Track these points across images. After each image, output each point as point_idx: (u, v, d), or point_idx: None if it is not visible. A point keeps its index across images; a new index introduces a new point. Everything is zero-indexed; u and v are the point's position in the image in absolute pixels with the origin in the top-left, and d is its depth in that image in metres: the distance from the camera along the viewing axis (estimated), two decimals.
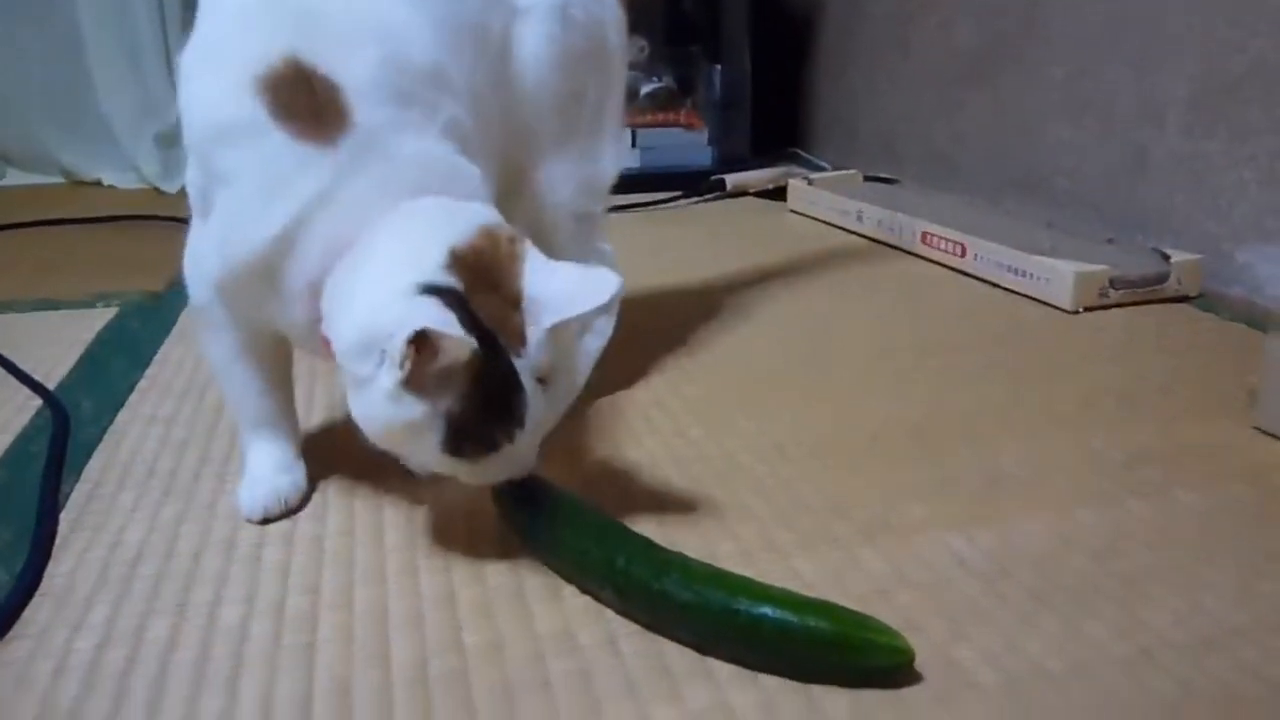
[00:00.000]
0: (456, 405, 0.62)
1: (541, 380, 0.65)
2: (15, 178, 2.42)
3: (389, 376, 0.61)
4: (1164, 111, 1.38)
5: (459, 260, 0.63)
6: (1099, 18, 1.49)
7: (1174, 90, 1.37)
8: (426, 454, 0.65)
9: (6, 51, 2.30)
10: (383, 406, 0.62)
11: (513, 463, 0.67)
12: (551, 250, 0.93)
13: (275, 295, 0.70)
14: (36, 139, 2.36)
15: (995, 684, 0.57)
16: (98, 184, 2.34)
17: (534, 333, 0.64)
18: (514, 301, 0.64)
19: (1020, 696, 0.56)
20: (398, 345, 0.59)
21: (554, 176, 0.92)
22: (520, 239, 0.67)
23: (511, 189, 0.88)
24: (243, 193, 0.68)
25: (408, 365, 0.59)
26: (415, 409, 0.62)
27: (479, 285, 0.63)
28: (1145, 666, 0.58)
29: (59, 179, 2.39)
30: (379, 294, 0.63)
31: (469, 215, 0.67)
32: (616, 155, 0.99)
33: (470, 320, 0.61)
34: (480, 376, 0.61)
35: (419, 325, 0.58)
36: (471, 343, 0.59)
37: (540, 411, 0.65)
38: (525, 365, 0.63)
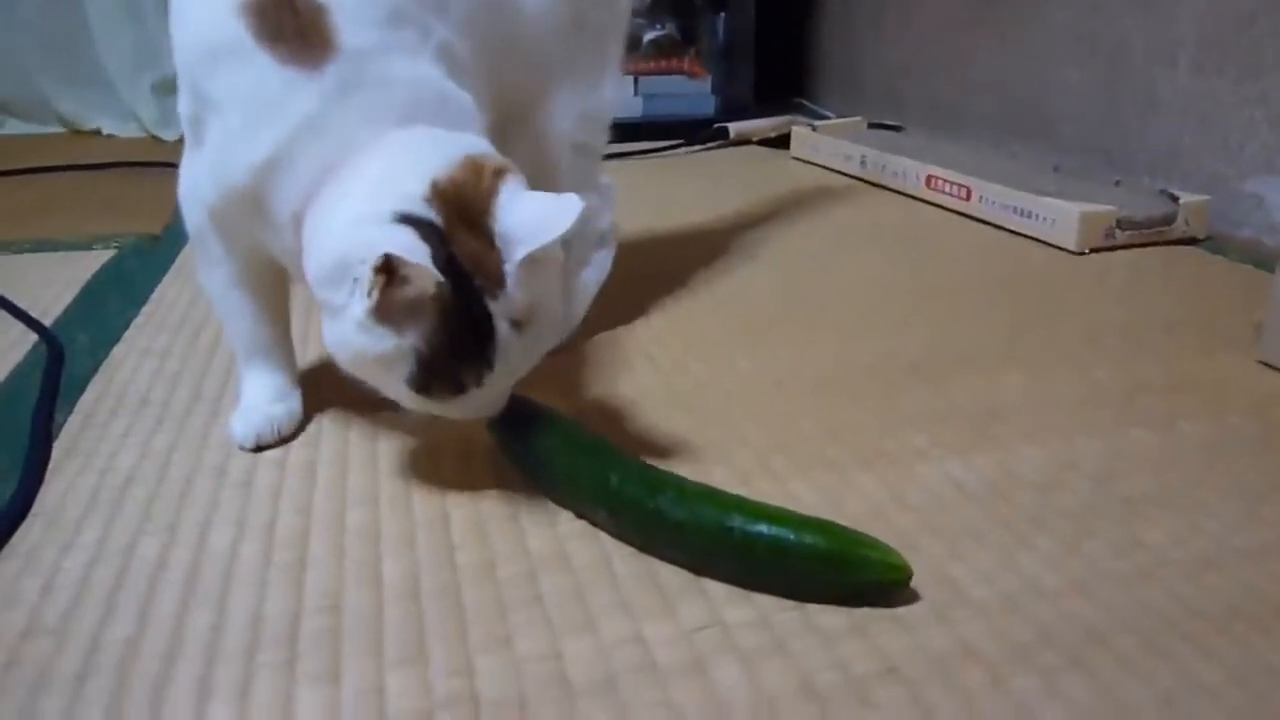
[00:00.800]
0: (424, 343, 0.60)
1: (519, 323, 0.63)
2: (14, 127, 2.40)
3: (359, 305, 0.59)
4: (1174, 50, 1.36)
5: (440, 194, 0.61)
6: None
7: (1184, 28, 1.34)
8: (396, 389, 0.63)
9: (4, 1, 2.28)
10: (354, 335, 0.61)
11: (481, 404, 0.66)
12: (551, 185, 0.92)
13: (265, 223, 0.68)
14: (35, 88, 2.34)
15: (992, 599, 0.56)
16: (97, 133, 2.32)
17: (509, 270, 0.61)
18: (492, 239, 0.62)
19: (1017, 611, 0.55)
20: (366, 271, 0.58)
21: (555, 106, 0.90)
22: (507, 171, 0.64)
23: (512, 121, 0.87)
24: (231, 118, 0.67)
25: (375, 293, 0.58)
26: (384, 341, 0.60)
27: (459, 221, 0.61)
28: (1144, 583, 0.58)
29: (58, 128, 2.37)
30: (354, 221, 0.62)
31: (455, 145, 0.65)
32: (618, 89, 0.97)
33: (445, 258, 0.60)
34: (449, 315, 0.60)
35: (388, 251, 0.57)
36: (438, 276, 0.58)
37: (516, 355, 0.63)
38: (501, 307, 0.61)
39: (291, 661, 0.53)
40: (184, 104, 0.71)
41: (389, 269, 0.57)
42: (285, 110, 0.65)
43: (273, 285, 0.79)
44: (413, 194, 0.61)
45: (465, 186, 0.63)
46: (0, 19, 2.29)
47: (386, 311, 0.59)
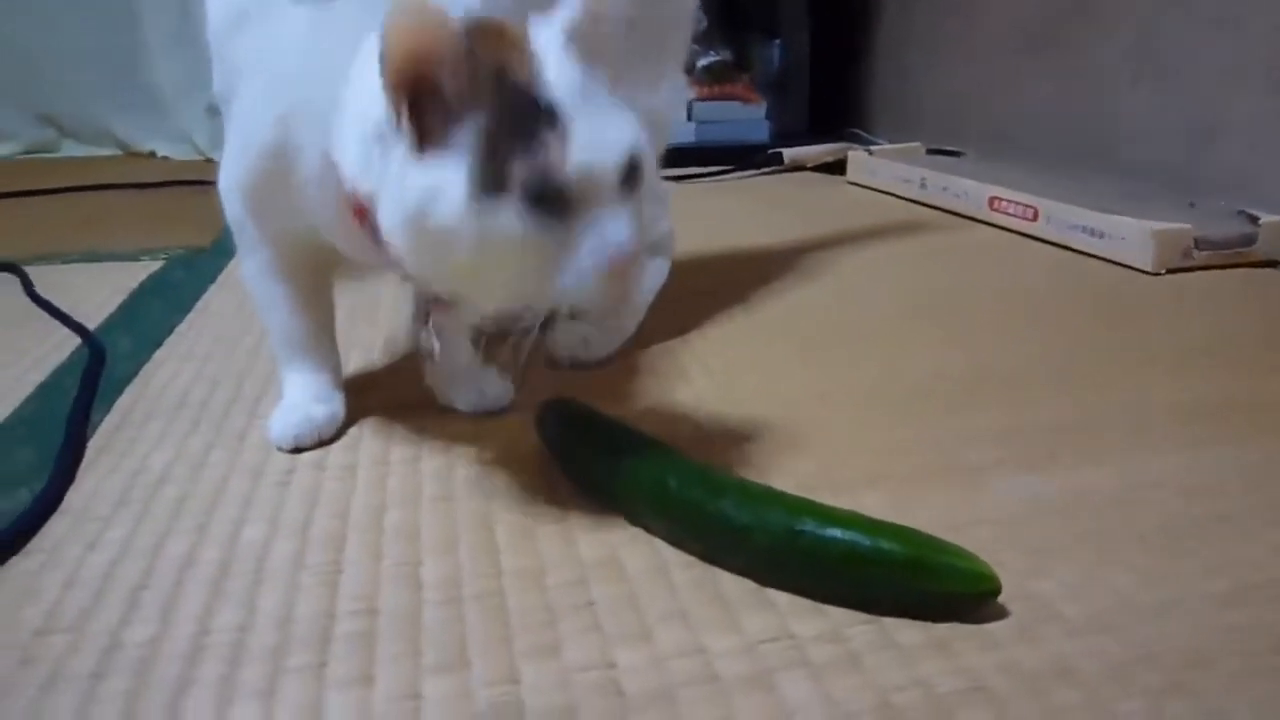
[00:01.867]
0: (480, 127, 0.52)
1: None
2: (71, 149, 2.43)
3: (398, 147, 0.53)
4: (1244, 68, 1.30)
5: (466, 28, 0.52)
6: None
7: (1254, 46, 1.29)
8: (462, 242, 0.53)
9: (63, 25, 2.31)
10: (410, 196, 0.53)
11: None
12: None
13: (301, 183, 0.63)
14: (92, 111, 2.37)
15: (1083, 617, 0.51)
16: (151, 155, 2.34)
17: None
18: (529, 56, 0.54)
19: (1112, 630, 0.50)
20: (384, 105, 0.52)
21: None
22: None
23: None
24: (255, 78, 0.64)
25: (404, 115, 0.52)
26: (438, 170, 0.52)
27: (492, 45, 0.53)
28: (1244, 601, 0.53)
29: (114, 150, 2.39)
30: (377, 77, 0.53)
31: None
32: (677, 92, 0.94)
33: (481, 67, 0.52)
34: (499, 87, 0.52)
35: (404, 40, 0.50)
36: (453, 23, 0.50)
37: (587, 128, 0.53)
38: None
39: (322, 665, 0.49)
40: (217, 81, 0.69)
41: (412, 72, 0.51)
42: (300, 52, 0.61)
43: (314, 278, 0.75)
44: None
45: (488, 25, 0.54)
46: (61, 44, 2.32)
47: (426, 129, 0.52)
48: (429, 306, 0.75)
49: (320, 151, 0.60)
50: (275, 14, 0.62)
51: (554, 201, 0.52)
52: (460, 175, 0.52)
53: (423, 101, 0.52)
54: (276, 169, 0.64)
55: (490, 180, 0.52)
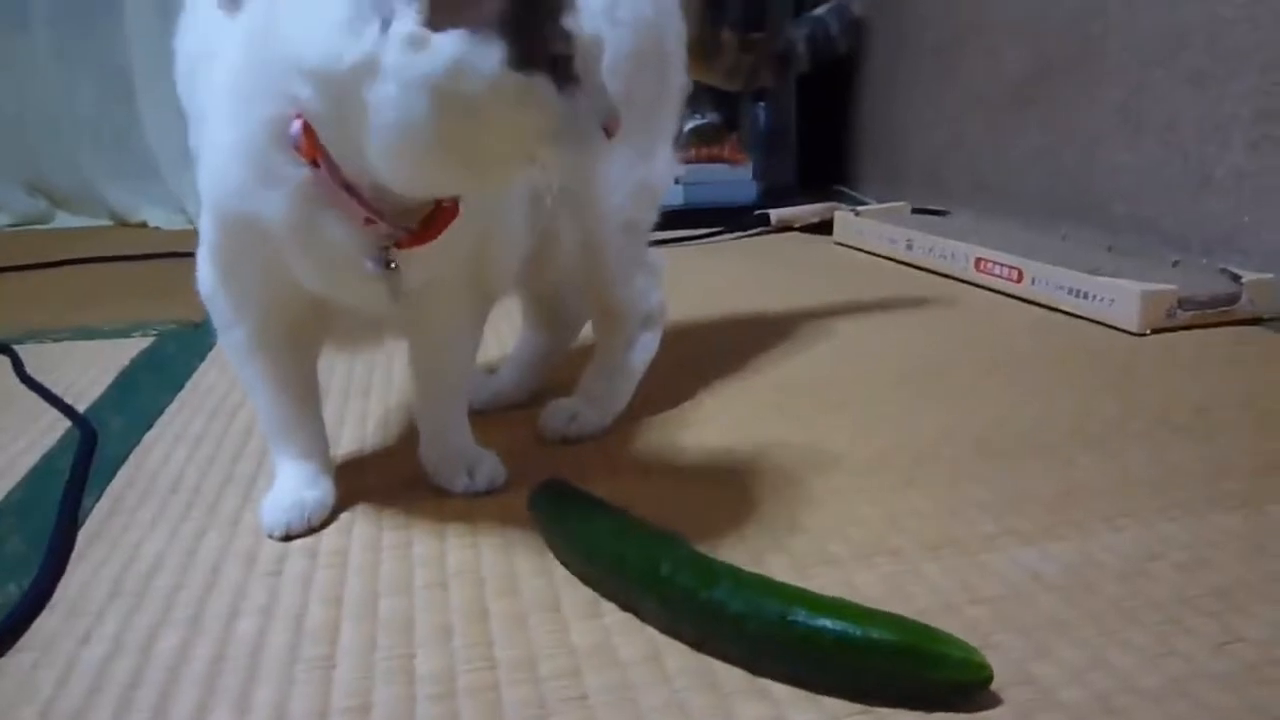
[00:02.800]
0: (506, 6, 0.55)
1: None
2: (64, 221, 2.44)
3: (403, 23, 0.54)
4: (1228, 127, 1.33)
5: None
6: (1156, 35, 1.44)
7: (1236, 105, 1.31)
8: (492, 108, 0.56)
9: (57, 93, 2.33)
10: (438, 65, 0.55)
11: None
12: (600, 266, 0.90)
13: (269, 189, 0.62)
14: (86, 181, 2.39)
15: (1083, 702, 0.51)
16: (143, 225, 2.35)
17: None
18: None
19: (1112, 715, 0.50)
20: None
21: (605, 181, 0.87)
22: None
23: (560, 200, 0.84)
24: (214, 115, 0.65)
25: None
26: (463, 43, 0.55)
27: None
28: (1249, 682, 0.52)
29: (107, 221, 2.41)
30: None
31: None
32: (669, 164, 0.95)
33: None
34: None
35: None
36: None
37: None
38: None
39: None
40: (192, 141, 0.69)
41: None
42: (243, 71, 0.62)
43: (294, 354, 0.75)
44: None
45: None
46: (53, 111, 2.34)
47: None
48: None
49: (284, 119, 0.60)
50: (223, 52, 0.63)
51: (569, 73, 0.58)
52: (492, 49, 0.55)
53: None
54: (252, 181, 0.63)
55: (524, 54, 0.55)
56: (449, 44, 0.55)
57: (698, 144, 2.14)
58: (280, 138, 0.61)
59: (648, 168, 0.90)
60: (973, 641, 0.52)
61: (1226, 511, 0.72)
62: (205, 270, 0.72)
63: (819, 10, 1.36)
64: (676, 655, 0.57)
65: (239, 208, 0.64)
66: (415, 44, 0.54)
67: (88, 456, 0.88)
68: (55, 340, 1.32)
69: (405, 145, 0.57)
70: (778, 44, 1.31)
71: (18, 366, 1.16)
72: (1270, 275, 1.24)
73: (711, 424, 0.93)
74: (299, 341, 0.75)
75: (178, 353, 1.24)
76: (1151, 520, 0.71)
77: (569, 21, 0.58)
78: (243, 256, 0.69)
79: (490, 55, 0.55)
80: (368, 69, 0.56)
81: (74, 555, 0.71)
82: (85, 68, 2.33)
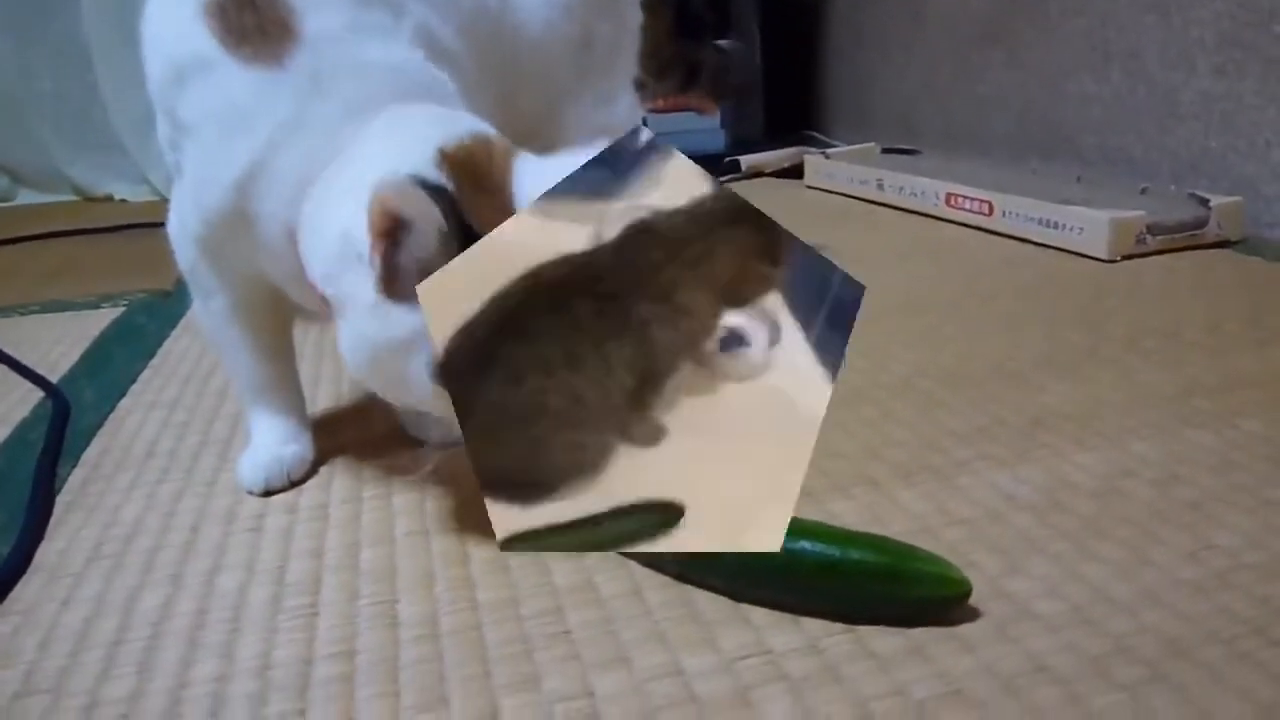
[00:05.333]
0: None
1: None
2: (28, 197, 2.41)
3: (366, 285, 0.55)
4: (1192, 53, 1.33)
5: (449, 159, 0.57)
6: None
7: (1201, 31, 1.31)
8: (419, 386, 0.56)
9: (14, 69, 2.29)
10: (366, 325, 0.56)
11: None
12: None
13: (257, 245, 0.64)
14: (48, 157, 2.35)
15: (1059, 613, 0.52)
16: (109, 199, 2.32)
17: None
18: (508, 209, 0.57)
19: (1088, 624, 0.51)
20: (364, 236, 0.53)
21: (567, 124, 0.87)
22: (515, 148, 0.60)
23: (523, 142, 0.84)
24: (204, 137, 0.64)
25: (378, 260, 0.53)
26: (400, 321, 0.55)
27: (472, 188, 0.56)
28: (1221, 589, 0.53)
29: (71, 196, 2.38)
30: (356, 194, 0.55)
31: (457, 121, 0.61)
32: (631, 106, 0.95)
33: (460, 225, 0.54)
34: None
35: (384, 195, 0.52)
36: (442, 221, 0.53)
37: None
38: None
39: (303, 711, 0.49)
40: (162, 131, 0.68)
41: (391, 227, 0.53)
42: (256, 116, 0.61)
43: (273, 319, 0.75)
44: (419, 159, 0.56)
45: (477, 155, 0.58)
46: (11, 87, 2.30)
47: (396, 279, 0.54)
48: None
49: (282, 222, 0.62)
50: (219, 73, 0.62)
51: None
52: (422, 339, 0.54)
53: (395, 254, 0.54)
54: (233, 227, 0.65)
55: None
56: (390, 317, 0.55)
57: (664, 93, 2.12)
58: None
59: (609, 111, 0.90)
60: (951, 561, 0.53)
61: (1197, 428, 0.73)
62: (186, 247, 0.72)
63: None
64: (658, 589, 0.57)
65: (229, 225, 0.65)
66: (374, 310, 0.55)
67: (62, 425, 0.87)
68: (24, 314, 1.31)
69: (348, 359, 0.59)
70: None
71: None
72: (1238, 198, 1.24)
73: None
74: (278, 309, 0.74)
75: (148, 322, 1.24)
76: (1123, 440, 0.72)
77: None
78: (228, 250, 0.69)
79: (423, 348, 0.55)
80: (341, 306, 0.58)
81: (52, 522, 0.71)
82: (42, 44, 2.29)
